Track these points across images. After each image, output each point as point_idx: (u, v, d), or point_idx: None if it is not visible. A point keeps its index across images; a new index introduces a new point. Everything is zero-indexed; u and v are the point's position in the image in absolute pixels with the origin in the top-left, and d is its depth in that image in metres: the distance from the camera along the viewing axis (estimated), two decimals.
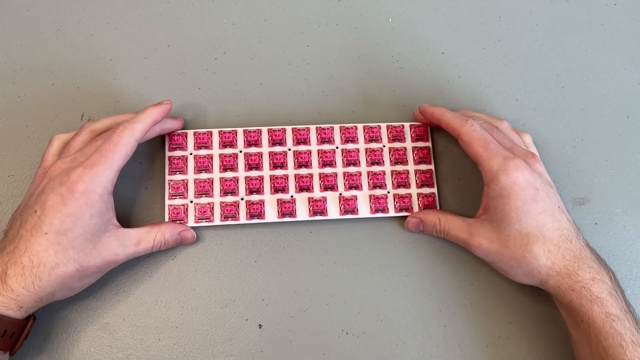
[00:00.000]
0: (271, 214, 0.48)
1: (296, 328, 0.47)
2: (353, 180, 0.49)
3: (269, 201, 0.48)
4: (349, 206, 0.48)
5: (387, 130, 0.50)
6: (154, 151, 0.50)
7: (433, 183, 0.49)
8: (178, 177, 0.48)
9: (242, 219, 0.47)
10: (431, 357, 0.46)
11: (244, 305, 0.47)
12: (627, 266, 0.49)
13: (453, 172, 0.51)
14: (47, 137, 0.50)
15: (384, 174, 0.49)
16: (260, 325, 0.47)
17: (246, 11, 0.55)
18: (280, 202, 0.48)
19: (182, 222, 0.47)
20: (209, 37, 0.54)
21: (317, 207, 0.48)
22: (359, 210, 0.48)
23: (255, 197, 0.48)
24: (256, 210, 0.47)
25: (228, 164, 0.48)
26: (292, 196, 0.48)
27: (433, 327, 0.47)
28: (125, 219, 0.48)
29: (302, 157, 0.49)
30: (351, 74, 0.54)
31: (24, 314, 0.39)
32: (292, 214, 0.47)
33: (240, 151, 0.49)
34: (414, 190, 0.49)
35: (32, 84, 0.52)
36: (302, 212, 0.48)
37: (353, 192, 0.49)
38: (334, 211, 0.48)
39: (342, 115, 0.52)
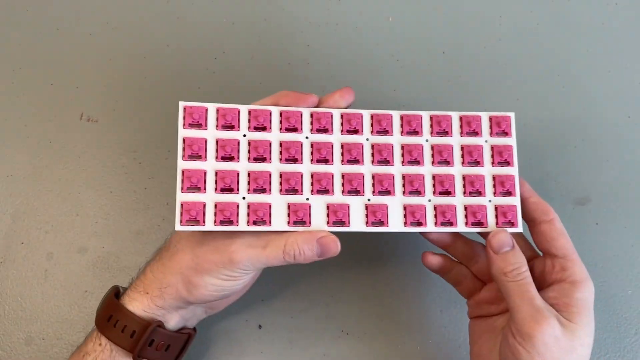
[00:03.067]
0: (280, 222, 0.39)
1: (296, 328, 0.46)
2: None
3: (315, 202, 0.39)
4: (356, 216, 0.39)
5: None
6: (154, 151, 0.50)
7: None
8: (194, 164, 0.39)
9: (277, 221, 0.39)
10: (431, 357, 0.46)
11: (244, 305, 0.47)
12: (629, 266, 0.49)
13: None
14: (46, 137, 0.50)
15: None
16: (260, 326, 0.46)
17: (246, 11, 0.55)
18: (292, 206, 0.39)
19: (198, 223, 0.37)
20: (209, 37, 0.54)
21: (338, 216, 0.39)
22: (390, 222, 0.40)
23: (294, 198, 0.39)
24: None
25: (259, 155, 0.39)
26: (307, 198, 0.39)
27: (433, 327, 0.47)
28: (125, 220, 0.48)
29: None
30: (351, 74, 0.54)
31: (150, 312, 0.38)
32: (305, 223, 0.39)
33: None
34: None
35: (32, 84, 0.51)
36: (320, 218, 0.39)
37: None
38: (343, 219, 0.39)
39: None
